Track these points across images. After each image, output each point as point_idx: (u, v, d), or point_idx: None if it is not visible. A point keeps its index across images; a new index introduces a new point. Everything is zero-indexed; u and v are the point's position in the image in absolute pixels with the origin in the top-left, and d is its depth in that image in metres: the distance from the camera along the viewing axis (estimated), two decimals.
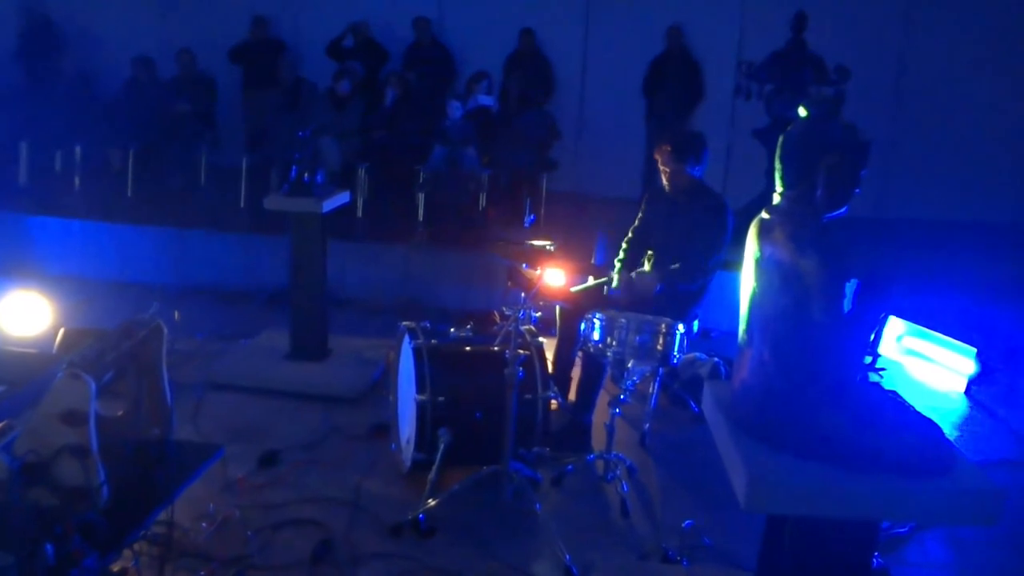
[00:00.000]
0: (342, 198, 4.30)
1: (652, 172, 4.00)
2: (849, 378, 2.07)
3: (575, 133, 7.64)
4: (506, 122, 6.71)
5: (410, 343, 3.18)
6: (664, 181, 3.66)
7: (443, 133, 6.46)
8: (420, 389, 3.05)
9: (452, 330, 3.32)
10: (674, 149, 3.57)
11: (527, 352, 3.13)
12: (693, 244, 3.52)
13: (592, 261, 4.90)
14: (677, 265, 3.51)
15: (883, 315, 4.86)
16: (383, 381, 3.97)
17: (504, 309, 3.97)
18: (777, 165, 2.15)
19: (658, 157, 3.64)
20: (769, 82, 5.75)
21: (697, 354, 4.31)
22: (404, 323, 3.33)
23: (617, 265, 3.79)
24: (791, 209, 2.10)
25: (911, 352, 4.89)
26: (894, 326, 4.97)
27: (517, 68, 7.16)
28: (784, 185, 2.14)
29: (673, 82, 7.03)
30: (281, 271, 4.72)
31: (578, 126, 7.73)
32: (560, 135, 6.87)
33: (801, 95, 5.33)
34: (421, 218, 6.26)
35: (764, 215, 2.16)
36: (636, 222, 3.84)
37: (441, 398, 3.04)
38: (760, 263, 2.11)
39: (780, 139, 2.14)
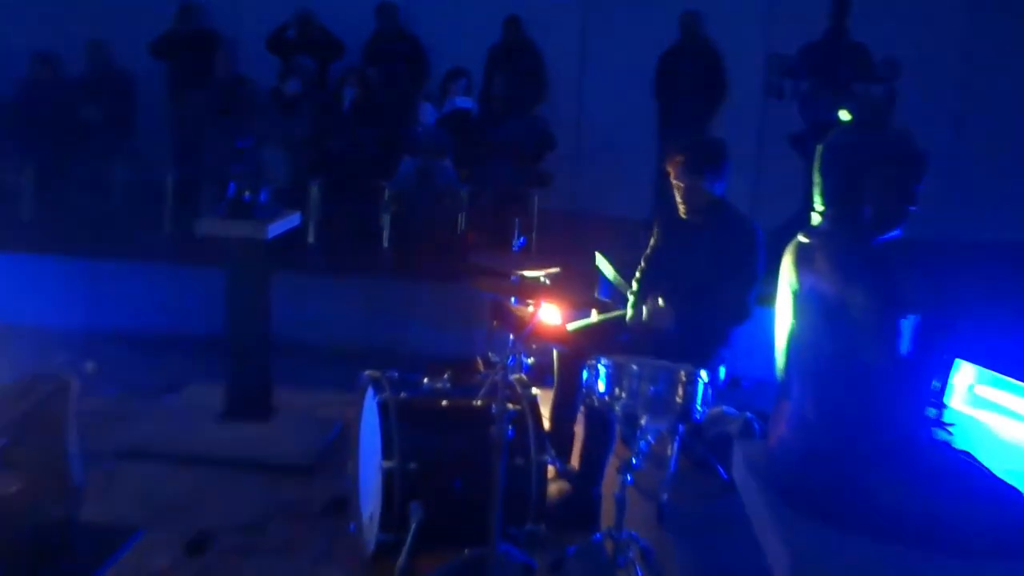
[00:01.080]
0: (290, 221, 4.33)
1: (665, 187, 4.04)
2: (909, 435, 2.11)
3: (572, 141, 7.74)
4: (489, 129, 6.81)
5: (374, 397, 3.18)
6: (677, 199, 3.71)
7: (413, 142, 6.53)
8: (386, 454, 3.05)
9: (426, 381, 3.32)
10: (688, 160, 3.62)
11: (517, 407, 3.13)
12: (719, 276, 3.56)
13: (595, 294, 4.93)
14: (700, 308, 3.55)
15: (950, 358, 4.91)
16: (340, 445, 3.95)
17: (489, 354, 3.98)
18: (816, 179, 2.20)
19: (670, 170, 3.70)
20: (805, 79, 5.86)
21: (725, 408, 4.33)
22: (367, 373, 3.34)
23: (630, 299, 3.82)
24: (834, 231, 2.16)
25: (986, 403, 4.93)
26: (964, 372, 5.02)
27: (502, 64, 7.28)
28: (824, 202, 2.19)
29: (689, 80, 7.15)
30: (215, 311, 4.70)
31: (576, 133, 7.84)
32: (554, 144, 6.97)
33: (843, 94, 5.43)
34: (387, 244, 6.31)
35: (802, 238, 2.21)
36: (649, 249, 3.88)
37: (412, 465, 3.03)
38: (798, 296, 2.16)
39: (819, 148, 2.20)
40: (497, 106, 6.95)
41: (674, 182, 3.69)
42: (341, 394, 4.17)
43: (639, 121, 7.50)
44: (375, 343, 5.37)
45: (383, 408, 3.11)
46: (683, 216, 3.71)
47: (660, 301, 3.68)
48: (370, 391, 3.25)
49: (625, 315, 3.75)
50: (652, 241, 3.88)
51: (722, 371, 3.74)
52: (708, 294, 3.57)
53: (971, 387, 5.01)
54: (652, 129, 7.38)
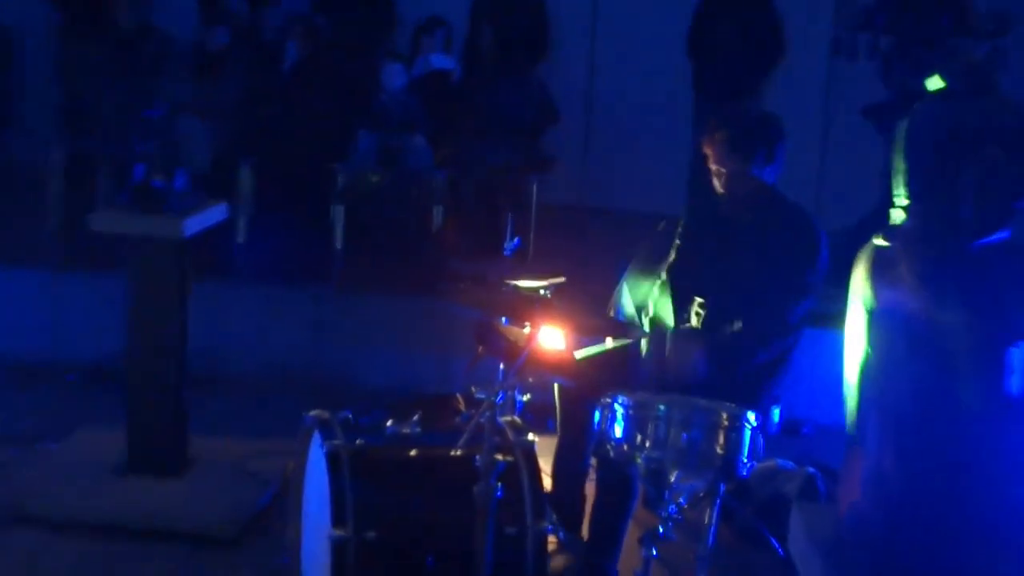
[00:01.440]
0: (214, 214, 4.33)
1: (701, 175, 4.08)
2: (1019, 500, 2.11)
3: (581, 114, 7.77)
4: (474, 96, 6.82)
5: (321, 446, 3.18)
6: (718, 187, 3.74)
7: (375, 112, 6.55)
8: (337, 519, 3.04)
9: (389, 424, 3.33)
10: (732, 139, 3.64)
11: (509, 459, 3.13)
12: (765, 287, 3.58)
13: (609, 312, 4.93)
14: (739, 323, 3.57)
15: None
16: (277, 508, 3.95)
17: (472, 389, 3.98)
18: (898, 165, 2.23)
19: (708, 151, 3.72)
20: (887, 33, 5.89)
21: (780, 461, 4.34)
22: (312, 414, 3.34)
23: (646, 325, 3.83)
24: (922, 232, 2.18)
25: None
26: None
27: (491, 11, 7.29)
28: (909, 195, 2.22)
29: (734, 35, 7.15)
30: (112, 331, 4.71)
31: (586, 103, 7.87)
32: (558, 116, 7.00)
33: (937, 55, 5.46)
34: (340, 245, 6.30)
35: (879, 241, 2.23)
36: (672, 255, 3.90)
37: (371, 534, 3.03)
38: (875, 316, 2.17)
39: (901, 125, 2.22)
40: (485, 66, 6.98)
41: (713, 167, 3.71)
42: (279, 441, 4.18)
43: (668, 89, 7.54)
44: (325, 374, 5.38)
45: (333, 460, 3.10)
46: (722, 208, 3.74)
47: (695, 322, 3.70)
48: (316, 438, 3.24)
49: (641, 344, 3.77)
50: (676, 245, 3.89)
51: (776, 413, 3.75)
52: (753, 304, 3.58)
53: None
54: (685, 99, 7.37)
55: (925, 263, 2.17)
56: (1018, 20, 5.93)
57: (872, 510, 2.18)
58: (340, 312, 5.56)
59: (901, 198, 2.25)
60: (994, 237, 2.19)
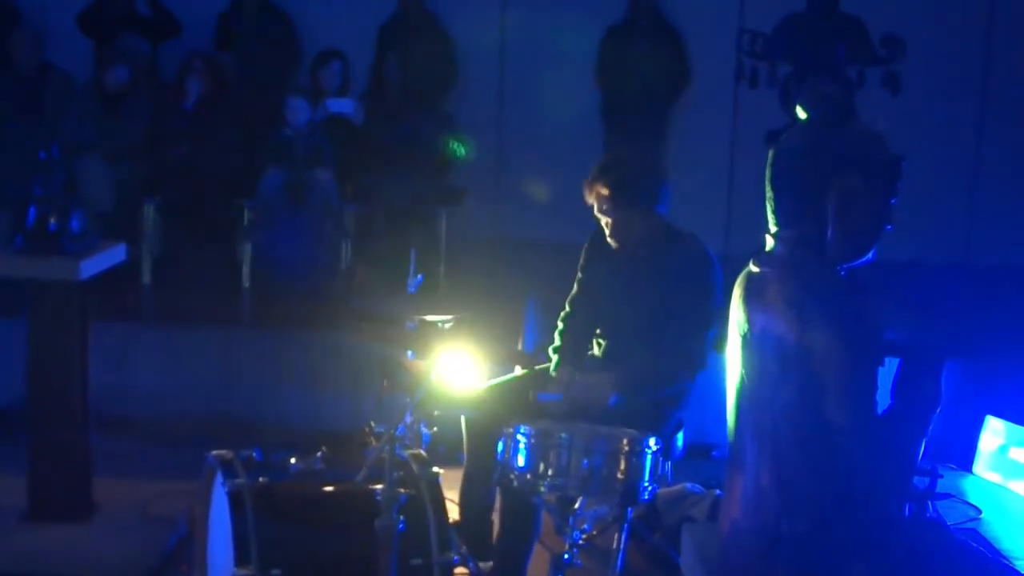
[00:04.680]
0: (115, 255, 4.34)
1: None
2: (889, 514, 2.25)
3: (492, 146, 7.79)
4: (381, 128, 6.89)
5: (224, 485, 3.20)
6: (608, 236, 3.80)
7: (280, 148, 6.59)
8: (241, 559, 3.06)
9: (294, 461, 3.36)
10: (613, 192, 3.69)
11: (411, 491, 3.18)
12: (665, 321, 3.66)
13: (519, 346, 5.00)
14: (642, 360, 3.65)
15: (982, 413, 5.08)
16: (183, 551, 3.95)
17: (371, 424, 4.02)
18: (768, 192, 2.33)
19: (591, 201, 3.78)
20: (785, 60, 6.03)
21: (689, 485, 4.42)
22: (214, 454, 3.36)
23: (553, 357, 3.92)
24: (790, 257, 2.28)
25: (1022, 469, 5.12)
26: (993, 431, 5.21)
27: (397, 41, 7.33)
28: (778, 222, 2.32)
29: (641, 62, 7.30)
30: (11, 376, 4.66)
31: (496, 134, 7.87)
32: (468, 149, 7.08)
33: (832, 79, 5.61)
34: (247, 284, 6.33)
35: (752, 267, 2.33)
36: (575, 287, 3.99)
37: (275, 572, 3.05)
38: (749, 340, 2.27)
39: (770, 155, 2.33)
40: (391, 100, 7.04)
41: (599, 216, 3.76)
42: (185, 483, 4.16)
43: (580, 117, 7.62)
44: (232, 415, 5.38)
45: (235, 499, 3.13)
46: (616, 249, 3.81)
47: (597, 351, 3.78)
48: (218, 477, 3.27)
49: (549, 375, 3.84)
50: (579, 276, 3.97)
51: (679, 438, 3.85)
52: (655, 340, 3.66)
53: (1003, 449, 5.19)
54: (597, 126, 7.52)
55: (793, 287, 2.25)
56: (916, 47, 6.11)
57: (751, 526, 2.26)
58: (248, 351, 5.57)
59: (771, 224, 2.34)
60: (860, 261, 2.30)
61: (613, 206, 3.69)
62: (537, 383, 3.85)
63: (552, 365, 3.87)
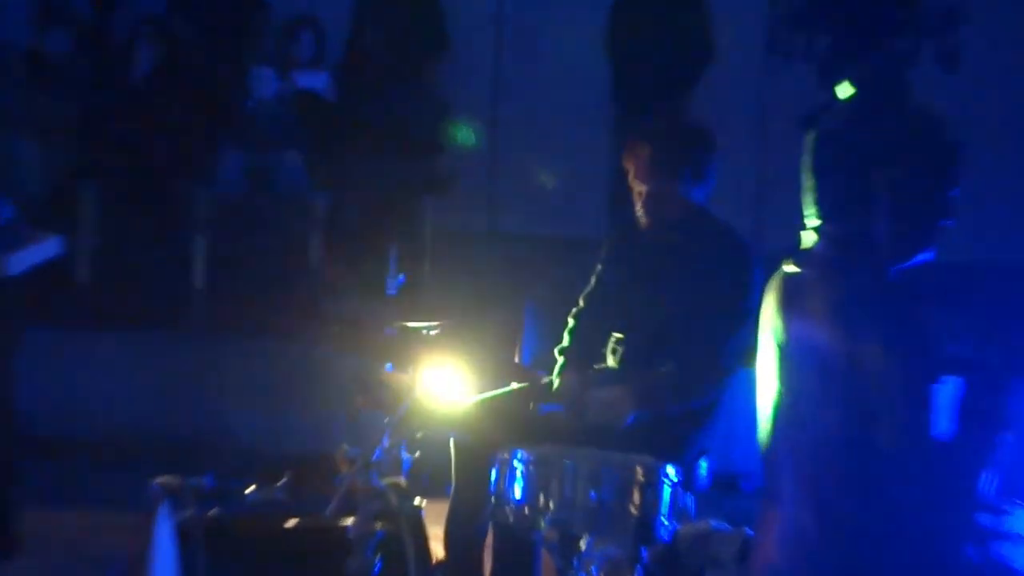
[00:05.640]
0: (46, 248, 4.31)
1: (622, 194, 4.15)
2: (948, 556, 2.22)
3: (486, 127, 7.78)
4: (358, 106, 6.87)
5: (171, 517, 3.19)
6: (638, 210, 3.82)
7: (242, 127, 6.58)
8: None
9: (251, 490, 3.34)
10: (655, 154, 3.70)
11: (390, 526, 3.16)
12: (693, 322, 3.65)
13: (515, 358, 4.96)
14: (669, 365, 3.63)
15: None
16: None
17: (343, 447, 4.00)
18: (807, 182, 2.30)
19: (628, 166, 3.79)
20: (824, 30, 6.01)
21: (713, 522, 4.39)
22: (159, 481, 3.34)
23: (559, 360, 3.89)
24: (834, 256, 2.25)
25: None
26: None
27: (377, 8, 7.31)
28: (820, 216, 2.29)
29: (656, 33, 7.26)
30: None
31: (491, 113, 7.89)
32: (468, 132, 7.09)
33: (880, 53, 5.59)
34: (201, 283, 6.32)
35: (789, 267, 2.30)
36: (591, 285, 3.97)
37: None
38: (785, 352, 2.24)
39: (809, 138, 2.31)
40: (370, 72, 7.03)
41: (633, 184, 3.77)
42: (125, 515, 4.14)
43: (588, 95, 7.59)
44: (181, 435, 5.37)
45: (184, 533, 3.13)
46: (645, 232, 3.80)
47: (611, 361, 3.75)
48: (164, 508, 3.25)
49: (552, 385, 3.81)
50: (595, 275, 3.96)
51: (703, 466, 3.82)
52: (679, 343, 3.64)
53: None
54: (603, 110, 7.50)
55: (838, 291, 2.23)
56: (973, 17, 6.09)
57: (788, 569, 2.24)
58: (201, 362, 5.57)
59: (811, 219, 2.32)
60: (914, 261, 2.27)
61: (651, 172, 3.69)
62: (538, 398, 3.85)
63: (556, 368, 3.85)
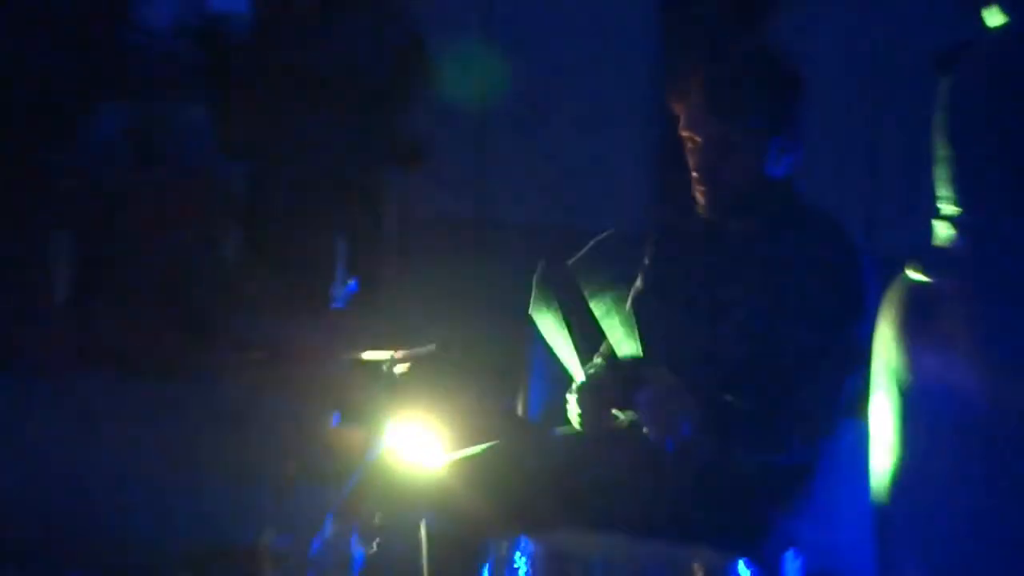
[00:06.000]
0: None
1: (675, 171, 4.14)
2: None
3: (477, 70, 7.83)
4: (288, 42, 6.90)
5: None
6: (694, 178, 3.83)
7: (124, 69, 6.63)
8: None
9: None
10: (715, 90, 3.73)
11: None
12: (782, 349, 3.65)
13: (518, 406, 4.95)
14: (742, 404, 3.64)
15: None
16: None
17: (268, 538, 4.01)
18: (942, 151, 2.29)
19: (679, 110, 3.81)
20: None
21: None
22: None
23: (580, 377, 3.92)
24: (982, 258, 2.24)
25: None
26: None
27: None
28: (961, 201, 2.28)
29: None
30: None
31: (481, 82, 7.94)
32: (433, 79, 7.09)
33: None
34: (61, 295, 6.34)
35: (915, 274, 2.29)
36: (637, 285, 3.99)
37: None
38: (909, 395, 2.23)
39: (944, 88, 2.29)
40: None
41: (686, 138, 3.79)
42: None
43: (621, 33, 7.73)
44: (34, 520, 5.32)
45: None
46: (704, 215, 3.84)
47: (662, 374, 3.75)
48: None
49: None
50: (642, 275, 3.99)
51: (791, 562, 3.82)
52: (761, 380, 3.65)
53: None
54: (649, 48, 7.59)
55: (989, 307, 2.23)
56: None
57: None
58: (61, 408, 5.57)
59: (947, 204, 2.31)
60: None
61: (708, 114, 3.72)
62: (552, 451, 3.87)
63: (573, 394, 3.87)
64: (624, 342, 3.89)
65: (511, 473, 3.82)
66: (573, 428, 3.89)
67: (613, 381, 3.84)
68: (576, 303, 4.00)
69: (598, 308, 3.95)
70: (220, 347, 5.63)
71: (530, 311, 4.01)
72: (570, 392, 3.90)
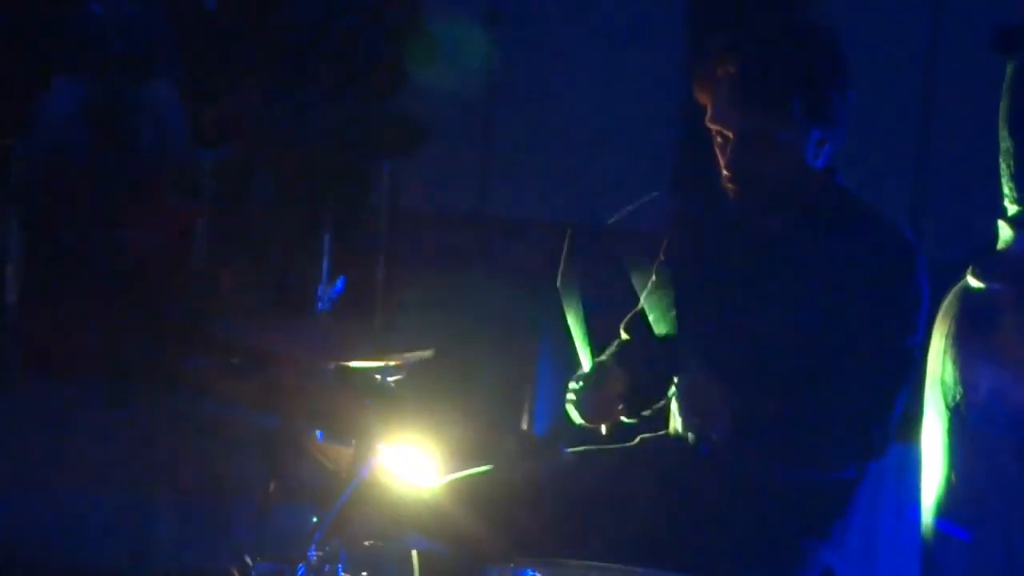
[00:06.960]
0: None
1: (697, 155, 4.16)
2: None
3: (482, 90, 7.89)
4: (270, 12, 6.92)
5: None
6: (726, 179, 3.81)
7: (83, 39, 6.63)
8: None
9: None
10: (747, 74, 3.69)
11: None
12: (827, 360, 3.64)
13: (523, 421, 4.94)
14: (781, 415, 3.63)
15: None
16: None
17: (247, 562, 4.02)
18: (1006, 144, 2.29)
19: (702, 96, 3.77)
20: None
21: None
22: None
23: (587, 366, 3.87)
24: None
25: None
26: None
27: None
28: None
29: None
30: None
31: (488, 74, 7.98)
32: (432, 59, 7.13)
33: None
34: (14, 294, 6.38)
35: (974, 281, 2.29)
36: (649, 291, 3.96)
37: None
38: (964, 415, 2.23)
39: (1009, 72, 2.29)
40: None
41: (713, 127, 3.77)
42: None
43: (638, 16, 7.87)
44: None
45: None
46: (738, 210, 3.84)
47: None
48: None
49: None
50: (657, 275, 3.96)
51: None
52: (802, 395, 3.63)
53: None
54: (669, 31, 7.65)
55: None
56: None
57: None
58: (14, 423, 5.58)
59: (1011, 202, 2.32)
60: None
61: (740, 102, 3.69)
62: (561, 474, 3.86)
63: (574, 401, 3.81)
64: (662, 321, 3.91)
65: (513, 497, 3.81)
66: (584, 447, 3.89)
67: (622, 375, 3.83)
68: (608, 276, 4.01)
69: (639, 283, 3.95)
70: (190, 353, 5.63)
71: (557, 284, 3.99)
72: (573, 381, 3.89)
